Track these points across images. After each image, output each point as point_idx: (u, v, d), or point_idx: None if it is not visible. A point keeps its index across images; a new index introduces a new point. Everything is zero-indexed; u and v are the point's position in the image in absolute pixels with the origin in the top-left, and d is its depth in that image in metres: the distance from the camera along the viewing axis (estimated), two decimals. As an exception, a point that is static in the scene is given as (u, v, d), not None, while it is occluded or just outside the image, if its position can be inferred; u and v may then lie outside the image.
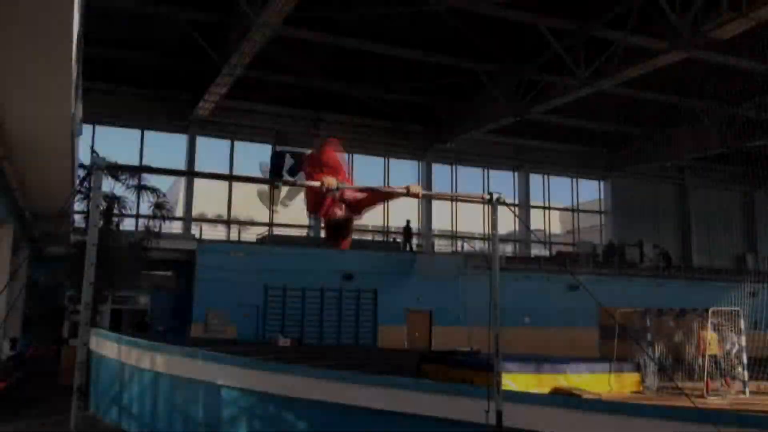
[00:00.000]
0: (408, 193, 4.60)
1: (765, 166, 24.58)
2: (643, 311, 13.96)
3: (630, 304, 16.82)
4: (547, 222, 32.10)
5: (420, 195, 4.75)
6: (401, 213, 28.72)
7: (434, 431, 5.08)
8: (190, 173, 24.96)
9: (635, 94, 22.70)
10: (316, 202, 4.57)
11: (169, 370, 8.25)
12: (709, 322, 12.33)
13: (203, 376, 7.49)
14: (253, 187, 27.67)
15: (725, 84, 19.91)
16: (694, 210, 32.57)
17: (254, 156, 27.11)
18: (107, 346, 11.04)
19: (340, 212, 4.50)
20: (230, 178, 26.34)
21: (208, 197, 26.86)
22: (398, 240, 27.71)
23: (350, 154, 28.27)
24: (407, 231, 26.95)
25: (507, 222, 28.63)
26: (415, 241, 27.89)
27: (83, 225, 18.13)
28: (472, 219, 30.04)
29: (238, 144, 26.51)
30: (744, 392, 12.18)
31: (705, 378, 11.92)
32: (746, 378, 12.39)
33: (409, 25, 19.35)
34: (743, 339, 12.63)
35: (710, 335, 12.32)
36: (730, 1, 15.50)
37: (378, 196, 4.88)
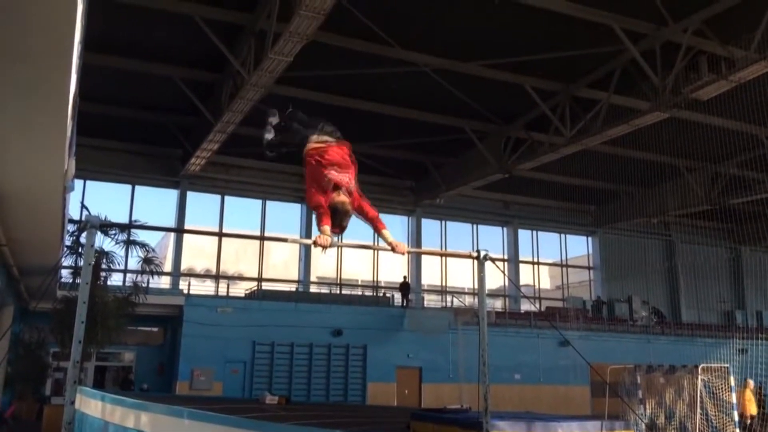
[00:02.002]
0: (393, 250, 4.69)
1: (750, 222, 24.97)
2: (634, 367, 13.93)
3: (620, 360, 16.81)
4: (537, 277, 32.18)
5: (405, 252, 4.85)
6: (391, 267, 28.76)
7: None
8: (182, 230, 25.01)
9: (620, 152, 23.15)
10: (320, 188, 4.81)
11: (154, 429, 8.09)
12: (700, 378, 12.31)
13: (189, 435, 7.35)
14: (243, 242, 27.68)
15: (708, 143, 20.38)
16: (682, 266, 32.78)
17: (244, 211, 27.27)
18: (91, 405, 10.84)
19: (346, 200, 4.82)
20: (221, 235, 26.34)
21: (198, 252, 26.81)
22: (388, 295, 27.58)
23: (340, 210, 28.44)
24: (405, 287, 26.86)
25: (497, 277, 28.66)
26: (391, 295, 27.79)
27: (70, 280, 18.00)
28: (461, 273, 30.08)
29: (228, 199, 26.65)
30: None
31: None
32: (738, 436, 12.30)
33: (398, 84, 19.79)
34: (733, 396, 12.59)
35: (748, 395, 12.25)
36: (709, 64, 16.06)
37: (371, 216, 5.17)
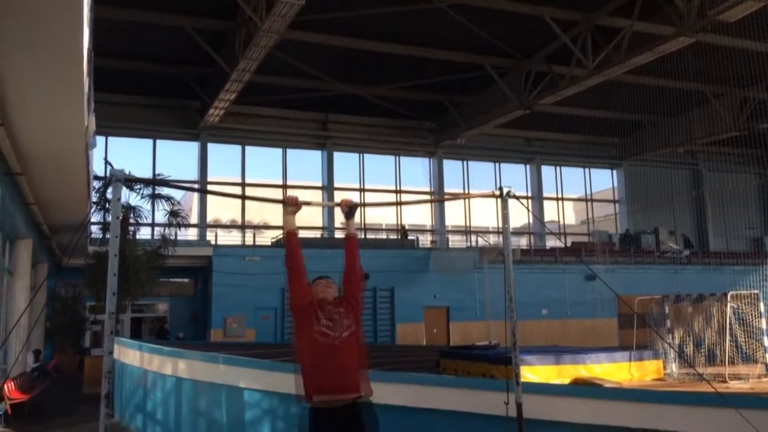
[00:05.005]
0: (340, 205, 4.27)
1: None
2: (661, 298, 13.92)
3: (648, 292, 16.80)
4: (561, 213, 32.02)
5: (351, 204, 4.30)
6: (415, 210, 28.89)
7: (455, 425, 5.11)
8: (205, 191, 24.99)
9: (644, 81, 22.59)
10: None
11: (191, 375, 8.32)
12: (729, 305, 12.30)
13: (225, 379, 7.56)
14: (266, 192, 27.86)
15: (735, 67, 19.77)
16: (709, 194, 32.33)
17: (266, 160, 27.34)
18: (129, 354, 11.17)
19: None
20: (243, 197, 26.48)
21: (222, 203, 27.06)
22: (412, 237, 27.76)
23: (360, 154, 28.41)
24: (403, 235, 27.44)
25: (521, 215, 28.61)
26: (416, 237, 27.97)
27: (100, 236, 18.34)
28: (485, 213, 30.05)
29: (249, 149, 26.69)
30: (767, 375, 12.12)
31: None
32: (768, 361, 12.34)
33: (414, 22, 19.37)
34: (764, 322, 12.56)
35: None
36: (736, -17, 15.42)
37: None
